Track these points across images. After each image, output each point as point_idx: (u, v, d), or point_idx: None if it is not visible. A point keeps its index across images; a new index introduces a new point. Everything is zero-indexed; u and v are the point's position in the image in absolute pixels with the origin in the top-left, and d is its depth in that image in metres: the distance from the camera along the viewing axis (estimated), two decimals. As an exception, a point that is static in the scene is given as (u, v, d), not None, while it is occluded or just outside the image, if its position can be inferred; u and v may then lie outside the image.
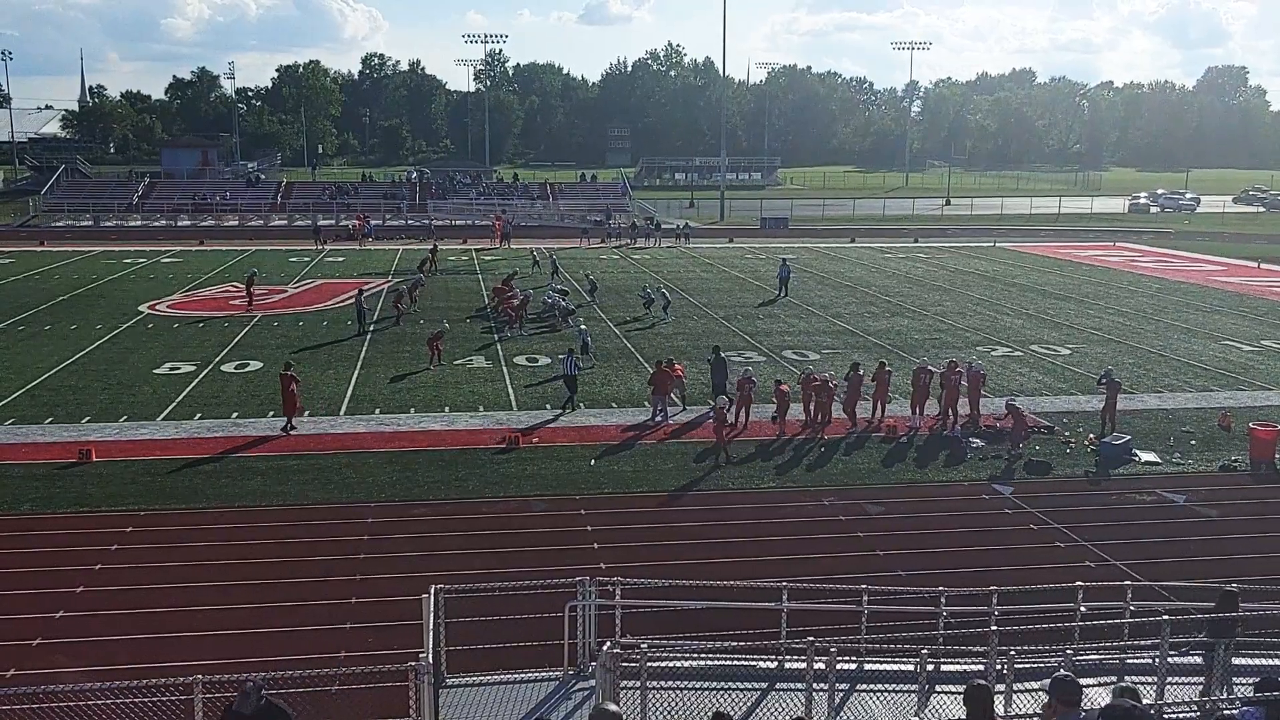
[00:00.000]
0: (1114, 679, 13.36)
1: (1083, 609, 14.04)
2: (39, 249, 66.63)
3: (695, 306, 46.16)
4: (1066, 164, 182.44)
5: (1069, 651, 12.86)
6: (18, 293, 48.07)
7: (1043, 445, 26.18)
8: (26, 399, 29.54)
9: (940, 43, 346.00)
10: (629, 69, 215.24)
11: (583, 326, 36.36)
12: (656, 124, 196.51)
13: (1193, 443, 26.68)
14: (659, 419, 27.97)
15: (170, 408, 28.78)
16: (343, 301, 46.20)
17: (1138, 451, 25.57)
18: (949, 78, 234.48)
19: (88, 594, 17.39)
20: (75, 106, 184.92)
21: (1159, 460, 25.27)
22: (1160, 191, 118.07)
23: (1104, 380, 28.00)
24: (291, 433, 26.43)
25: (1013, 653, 12.24)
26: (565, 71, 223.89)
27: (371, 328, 40.01)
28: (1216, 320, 44.16)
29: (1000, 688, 12.04)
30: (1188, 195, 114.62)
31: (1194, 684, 13.35)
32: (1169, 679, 12.80)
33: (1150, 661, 13.39)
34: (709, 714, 8.29)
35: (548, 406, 29.37)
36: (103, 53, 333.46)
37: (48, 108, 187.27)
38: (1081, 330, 41.58)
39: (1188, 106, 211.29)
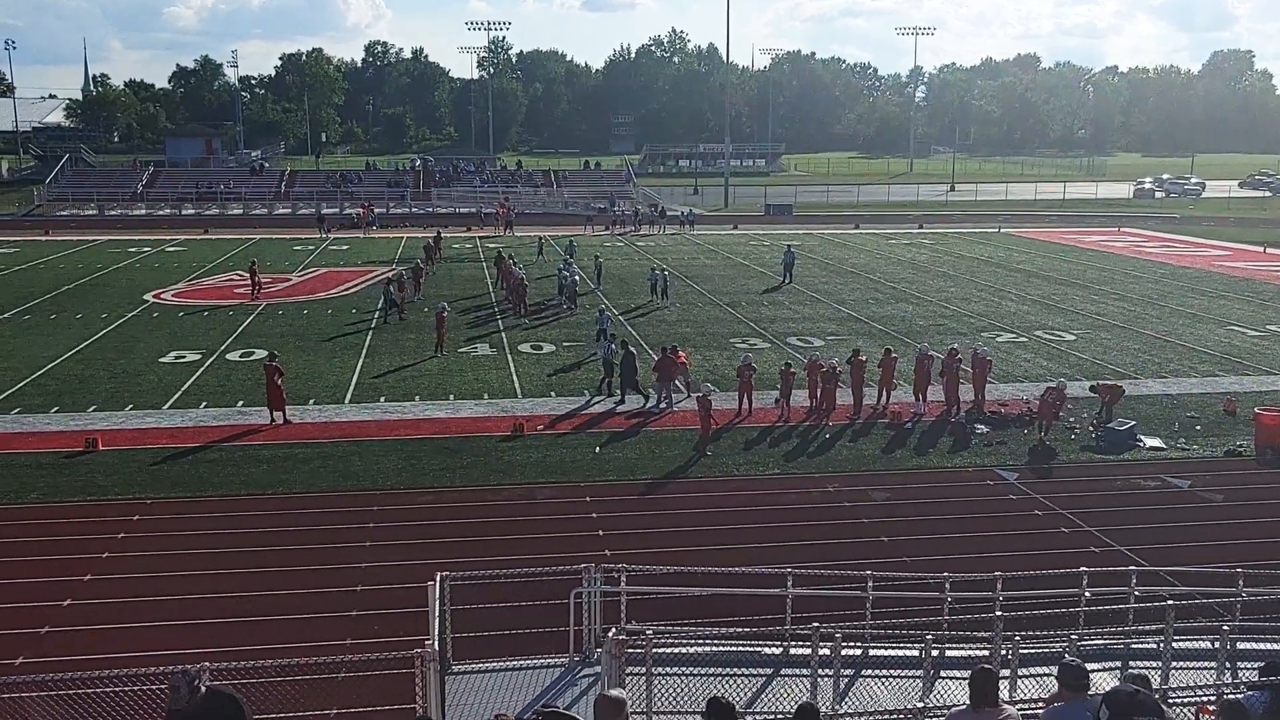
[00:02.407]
0: (1118, 664, 13.39)
1: (1087, 594, 14.03)
2: (44, 238, 66.69)
3: (700, 294, 46.10)
4: (1071, 149, 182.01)
5: (1074, 637, 12.87)
6: (23, 282, 48.13)
7: (1048, 430, 26.15)
8: (33, 388, 29.61)
9: (944, 28, 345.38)
10: (632, 56, 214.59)
11: (602, 308, 35.80)
12: (660, 111, 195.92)
13: (1198, 428, 26.65)
14: (663, 406, 27.99)
15: (176, 396, 28.84)
16: (345, 291, 46.29)
17: (1142, 437, 25.55)
18: (953, 63, 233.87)
19: (95, 582, 17.46)
20: (79, 95, 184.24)
21: (1164, 446, 25.25)
22: (1165, 176, 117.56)
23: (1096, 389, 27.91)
24: (284, 423, 26.20)
25: (1017, 638, 12.26)
26: (569, 58, 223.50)
27: (376, 316, 39.98)
28: (1222, 305, 44.06)
29: (1005, 673, 12.06)
30: (1193, 180, 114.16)
31: (1198, 668, 13.36)
32: (1173, 664, 12.81)
33: (1155, 646, 13.40)
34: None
35: (552, 394, 29.39)
36: (106, 41, 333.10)
37: (51, 97, 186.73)
38: (1086, 316, 41.51)
39: (1193, 91, 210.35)
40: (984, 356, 28.54)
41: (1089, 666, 8.82)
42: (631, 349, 29.81)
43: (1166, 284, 49.91)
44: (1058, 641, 12.93)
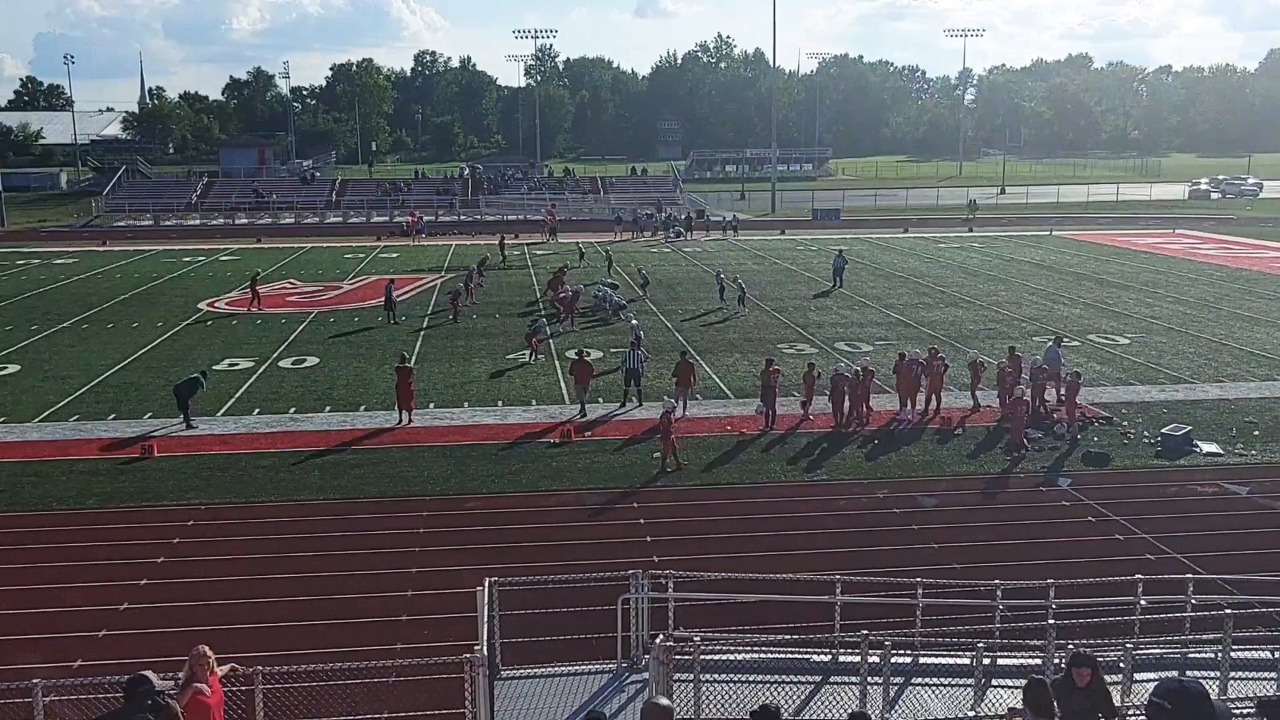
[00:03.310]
0: (1175, 673, 13.15)
1: (1143, 602, 13.82)
2: (101, 249, 67.95)
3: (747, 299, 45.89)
4: (1124, 150, 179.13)
5: (1129, 645, 12.68)
6: (81, 292, 49.09)
7: (1101, 436, 25.79)
8: (90, 396, 30.18)
9: (992, 29, 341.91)
10: (679, 61, 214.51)
11: (634, 321, 36.39)
12: (707, 116, 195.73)
13: (1256, 433, 26.13)
14: (680, 414, 27.75)
15: (229, 403, 29.25)
16: (396, 298, 46.72)
17: (1199, 442, 25.11)
18: (1003, 64, 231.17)
19: (151, 586, 17.76)
20: (135, 108, 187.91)
21: (1221, 451, 24.79)
22: (1221, 177, 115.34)
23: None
24: (409, 423, 27.07)
25: (1071, 647, 12.09)
26: (615, 65, 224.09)
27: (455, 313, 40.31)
28: (1281, 308, 43.20)
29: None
30: (1250, 180, 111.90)
31: (1257, 679, 13.10)
32: (1231, 674, 12.57)
33: (1213, 656, 13.16)
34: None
35: (600, 400, 29.41)
36: (162, 55, 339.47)
37: (109, 110, 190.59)
38: (1140, 319, 40.87)
39: (1250, 90, 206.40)
40: (1040, 366, 28.11)
41: (1144, 676, 8.69)
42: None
43: (1223, 286, 49.02)
44: (1112, 650, 12.74)
